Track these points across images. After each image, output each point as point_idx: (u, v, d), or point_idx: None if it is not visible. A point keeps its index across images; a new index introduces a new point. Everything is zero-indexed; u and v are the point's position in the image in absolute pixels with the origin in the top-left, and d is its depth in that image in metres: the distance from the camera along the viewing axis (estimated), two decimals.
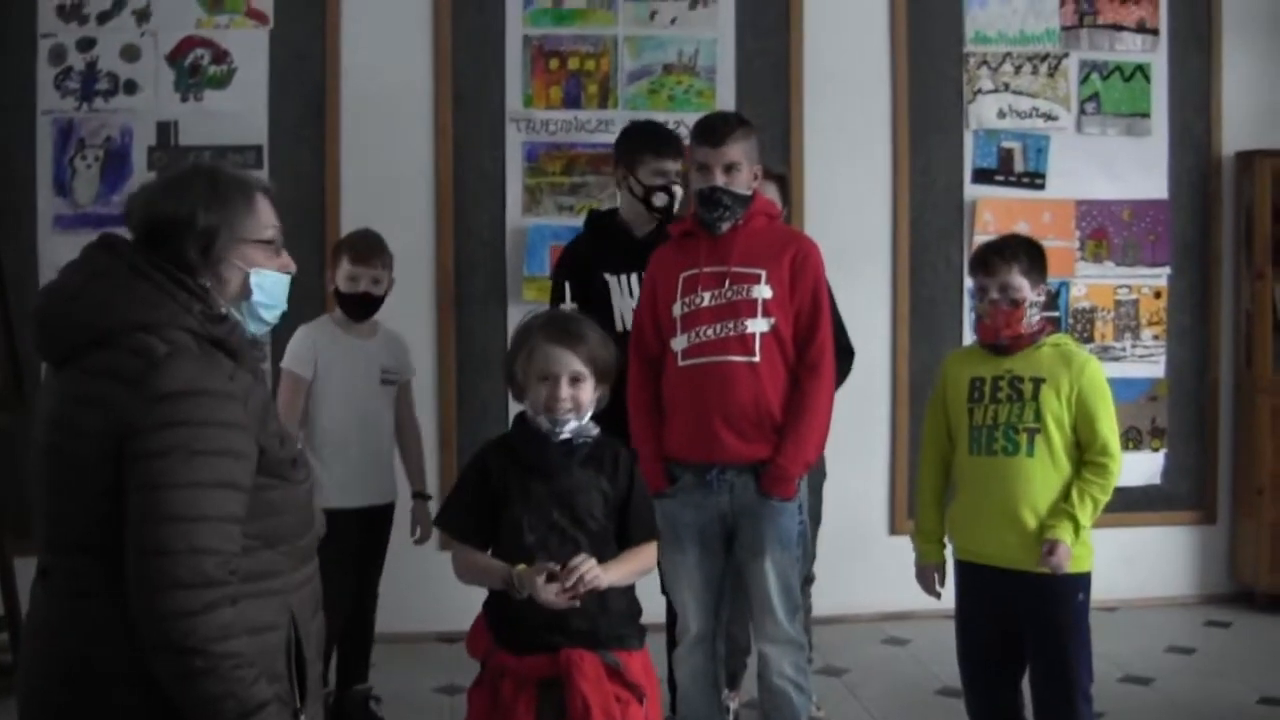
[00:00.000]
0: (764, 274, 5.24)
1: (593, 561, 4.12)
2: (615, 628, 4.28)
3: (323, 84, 7.58)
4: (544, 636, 4.17)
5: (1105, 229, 8.21)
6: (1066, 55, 8.19)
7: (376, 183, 7.56)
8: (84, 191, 7.50)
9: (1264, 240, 8.13)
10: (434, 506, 6.01)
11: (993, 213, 8.04)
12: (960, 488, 5.23)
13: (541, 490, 4.25)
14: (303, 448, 5.87)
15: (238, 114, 7.54)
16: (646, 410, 5.38)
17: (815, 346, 5.28)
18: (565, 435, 4.27)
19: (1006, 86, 8.13)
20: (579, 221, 7.30)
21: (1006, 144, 8.12)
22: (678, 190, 6.05)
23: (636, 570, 4.35)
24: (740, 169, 5.27)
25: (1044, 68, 8.16)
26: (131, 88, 7.51)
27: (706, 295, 5.25)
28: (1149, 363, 8.29)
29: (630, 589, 4.39)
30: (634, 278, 5.96)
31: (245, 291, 3.22)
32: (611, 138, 7.35)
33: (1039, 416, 5.01)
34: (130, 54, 7.51)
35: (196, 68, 7.52)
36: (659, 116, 7.46)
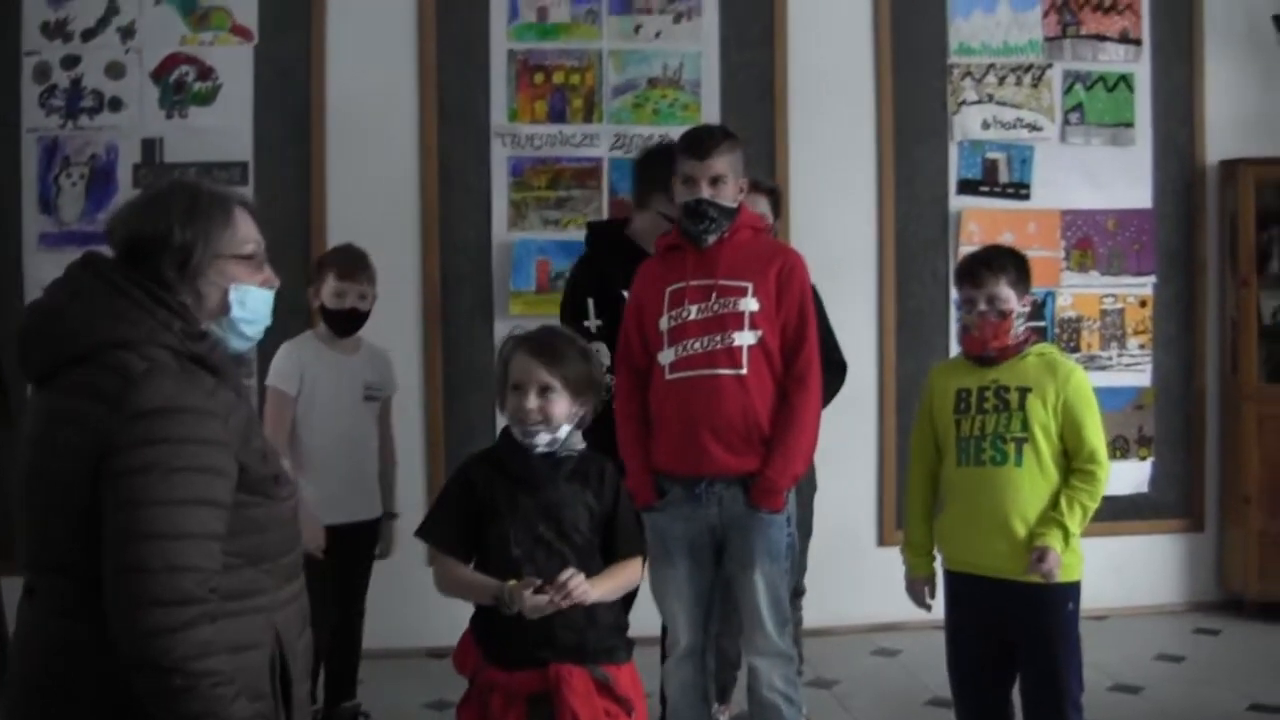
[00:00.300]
0: (751, 287, 5.24)
1: (581, 576, 4.12)
2: (603, 641, 4.28)
3: (308, 100, 7.58)
4: (532, 651, 4.16)
5: (1090, 239, 8.22)
6: (1050, 66, 8.22)
7: (362, 198, 7.56)
8: (69, 209, 7.50)
9: (1248, 248, 8.15)
10: (403, 525, 6.03)
11: (978, 223, 8.05)
12: (949, 499, 5.22)
13: (528, 503, 4.24)
14: (289, 464, 5.90)
15: (223, 130, 7.54)
16: (634, 423, 5.36)
17: (802, 359, 5.27)
18: (541, 448, 4.27)
19: (991, 97, 8.14)
20: (565, 236, 7.34)
21: (991, 155, 8.13)
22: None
23: (621, 585, 4.35)
24: (726, 182, 5.27)
25: (1028, 78, 8.18)
26: (116, 105, 7.51)
27: (693, 309, 5.24)
28: (1135, 372, 8.31)
29: (617, 602, 4.39)
30: None
31: (224, 307, 3.21)
32: (597, 151, 7.39)
33: (1026, 426, 5.02)
34: (115, 71, 7.51)
35: (181, 84, 7.52)
36: (644, 130, 7.53)
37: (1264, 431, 8.15)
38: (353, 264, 6.32)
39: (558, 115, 7.74)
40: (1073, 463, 5.05)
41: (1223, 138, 8.36)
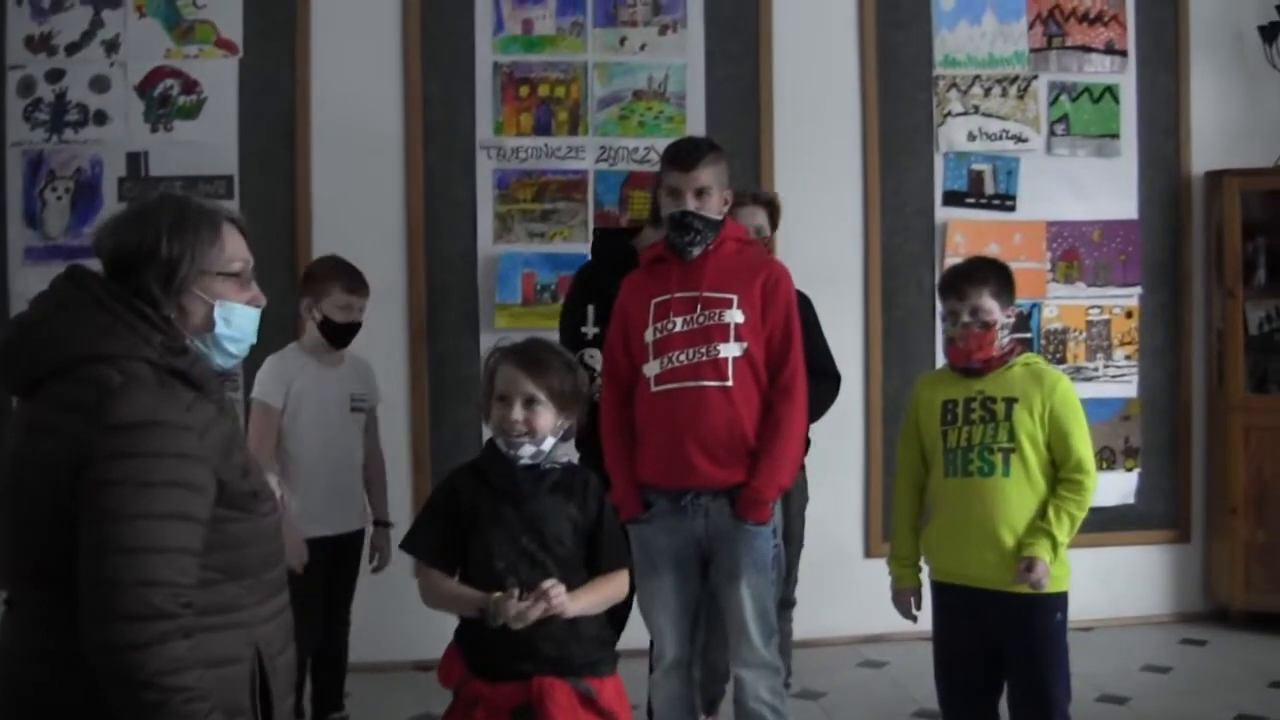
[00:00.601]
0: (736, 299, 5.24)
1: (561, 587, 4.11)
2: (587, 654, 4.26)
3: (293, 113, 7.57)
4: (516, 664, 4.15)
5: (1076, 250, 8.23)
6: (1035, 77, 8.22)
7: (348, 211, 7.55)
8: (54, 223, 7.49)
9: (1234, 259, 8.15)
10: (396, 535, 6.02)
11: (964, 235, 8.05)
12: (936, 510, 5.22)
13: (511, 515, 4.23)
14: (279, 480, 5.90)
15: (208, 144, 7.52)
16: (620, 436, 5.37)
17: (788, 371, 5.28)
18: (525, 460, 4.27)
19: (976, 109, 8.15)
20: (551, 248, 7.33)
21: (977, 166, 8.14)
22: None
23: (605, 599, 4.34)
24: (711, 194, 5.28)
25: (1013, 90, 8.18)
26: (101, 119, 7.50)
27: (679, 320, 5.24)
28: (1121, 383, 8.31)
29: (601, 614, 4.38)
30: None
31: (209, 324, 3.21)
32: (582, 164, 7.40)
33: (1013, 436, 5.02)
34: (100, 85, 7.50)
35: (166, 98, 7.51)
36: (630, 143, 7.53)
37: (1250, 442, 8.15)
38: (356, 277, 6.36)
39: (543, 128, 7.73)
40: (1060, 472, 5.05)
41: (1208, 149, 8.37)
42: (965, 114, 8.13)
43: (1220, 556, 8.30)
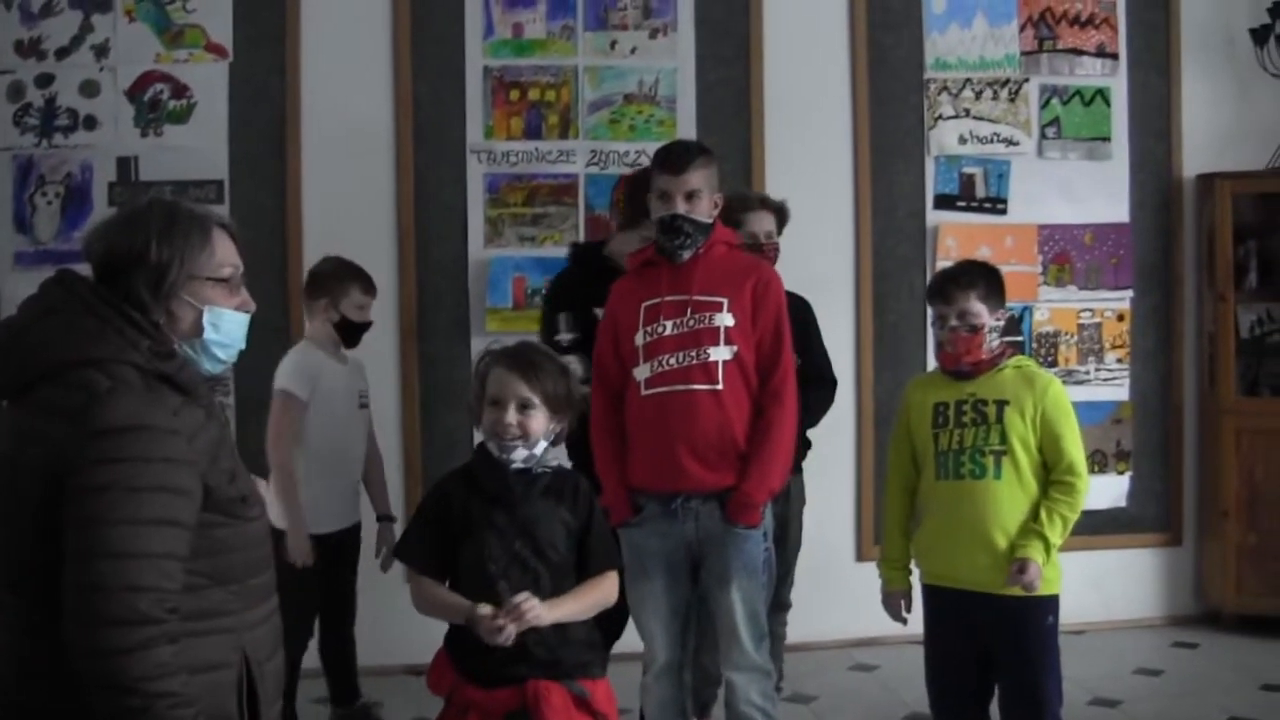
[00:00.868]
0: (726, 302, 5.24)
1: (534, 600, 4.10)
2: (578, 656, 4.26)
3: (283, 117, 7.56)
4: (508, 668, 4.14)
5: (1067, 253, 8.23)
6: (1027, 80, 8.22)
7: (338, 216, 7.53)
8: (45, 228, 7.48)
9: (1225, 262, 8.14)
10: (400, 529, 6.06)
11: (955, 238, 8.05)
12: (927, 513, 5.22)
13: (503, 520, 4.22)
14: (262, 483, 5.91)
15: (198, 149, 7.51)
16: (611, 440, 5.37)
17: (778, 374, 5.28)
18: (518, 464, 4.26)
19: (967, 112, 8.15)
20: (541, 252, 7.33)
21: (968, 169, 8.13)
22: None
23: (591, 604, 4.32)
24: (701, 197, 5.28)
25: (1004, 93, 8.18)
26: (91, 123, 7.49)
27: (669, 324, 5.24)
28: (1113, 386, 8.31)
29: (590, 618, 4.38)
30: None
31: (198, 329, 3.20)
32: (573, 168, 7.38)
33: (1004, 439, 5.02)
34: (89, 90, 7.48)
35: (156, 103, 7.50)
36: (620, 147, 7.53)
37: (1242, 445, 8.15)
38: (369, 277, 6.53)
39: (534, 132, 7.73)
40: (1051, 474, 5.06)
41: (1200, 152, 8.36)
42: (956, 117, 8.13)
43: (1212, 559, 8.30)
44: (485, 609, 4.07)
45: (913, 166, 8.11)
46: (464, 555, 4.24)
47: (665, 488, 5.26)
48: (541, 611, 4.09)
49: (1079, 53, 8.26)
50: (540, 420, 4.27)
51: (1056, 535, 4.97)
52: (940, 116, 8.11)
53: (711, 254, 5.33)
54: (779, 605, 6.52)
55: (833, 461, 7.61)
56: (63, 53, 7.48)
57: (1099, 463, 8.16)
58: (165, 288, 3.11)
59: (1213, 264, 8.22)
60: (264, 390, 7.29)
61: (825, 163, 7.98)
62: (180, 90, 7.52)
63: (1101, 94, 8.29)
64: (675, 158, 5.34)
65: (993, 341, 5.14)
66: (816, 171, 7.93)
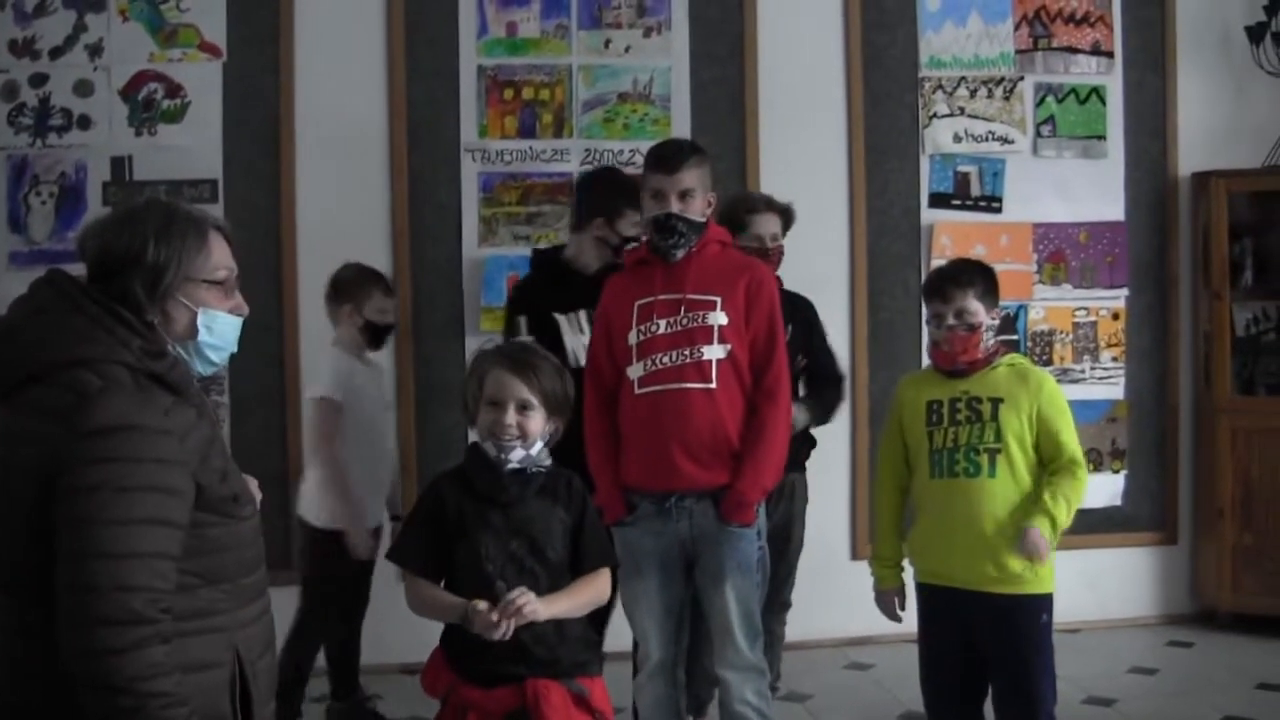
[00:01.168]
0: (719, 300, 5.24)
1: (529, 595, 4.10)
2: (576, 655, 4.28)
3: (277, 117, 7.55)
4: (506, 667, 4.15)
5: (1063, 251, 8.22)
6: (1022, 78, 8.21)
7: (332, 215, 7.54)
8: (39, 228, 7.47)
9: (1221, 260, 8.14)
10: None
11: (950, 237, 8.04)
12: (921, 512, 5.22)
13: (499, 520, 4.23)
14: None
15: (192, 148, 7.50)
16: (603, 439, 5.37)
17: (771, 373, 5.28)
18: (514, 464, 4.25)
19: (962, 110, 8.14)
20: None
21: (963, 168, 8.13)
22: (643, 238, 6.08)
23: (586, 601, 4.33)
24: (694, 195, 5.28)
25: (999, 91, 8.18)
26: (85, 123, 7.48)
27: (662, 323, 5.25)
28: (1108, 384, 8.30)
29: (586, 616, 4.38)
30: (584, 315, 6.00)
31: (193, 331, 3.20)
32: (567, 167, 7.37)
33: (1000, 436, 5.02)
34: (83, 89, 7.47)
35: (150, 102, 7.49)
36: (614, 145, 7.54)
37: (1237, 444, 8.14)
38: (387, 281, 6.80)
39: (528, 131, 7.72)
40: (1051, 466, 5.05)
41: (1195, 150, 8.36)
42: (951, 115, 8.12)
43: (1207, 558, 8.29)
44: (481, 604, 4.07)
45: (907, 165, 8.11)
46: (459, 556, 4.24)
47: (659, 487, 5.26)
48: (538, 606, 4.09)
49: (1074, 51, 8.26)
50: (538, 421, 4.28)
51: (1062, 514, 4.96)
52: (935, 115, 8.10)
53: (705, 253, 5.33)
54: (780, 605, 6.54)
55: (827, 459, 7.59)
56: (56, 52, 7.46)
57: (1094, 461, 8.15)
58: (161, 289, 3.11)
59: (1208, 262, 8.21)
60: (258, 390, 7.35)
61: (820, 161, 7.97)
62: (174, 90, 7.51)
63: (1097, 92, 8.28)
64: (669, 156, 5.35)
65: (989, 340, 5.13)
66: (811, 170, 7.92)
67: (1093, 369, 8.27)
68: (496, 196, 7.69)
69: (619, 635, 5.64)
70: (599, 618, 5.09)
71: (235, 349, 3.34)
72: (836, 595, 7.53)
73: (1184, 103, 8.36)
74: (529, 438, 4.26)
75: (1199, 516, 8.40)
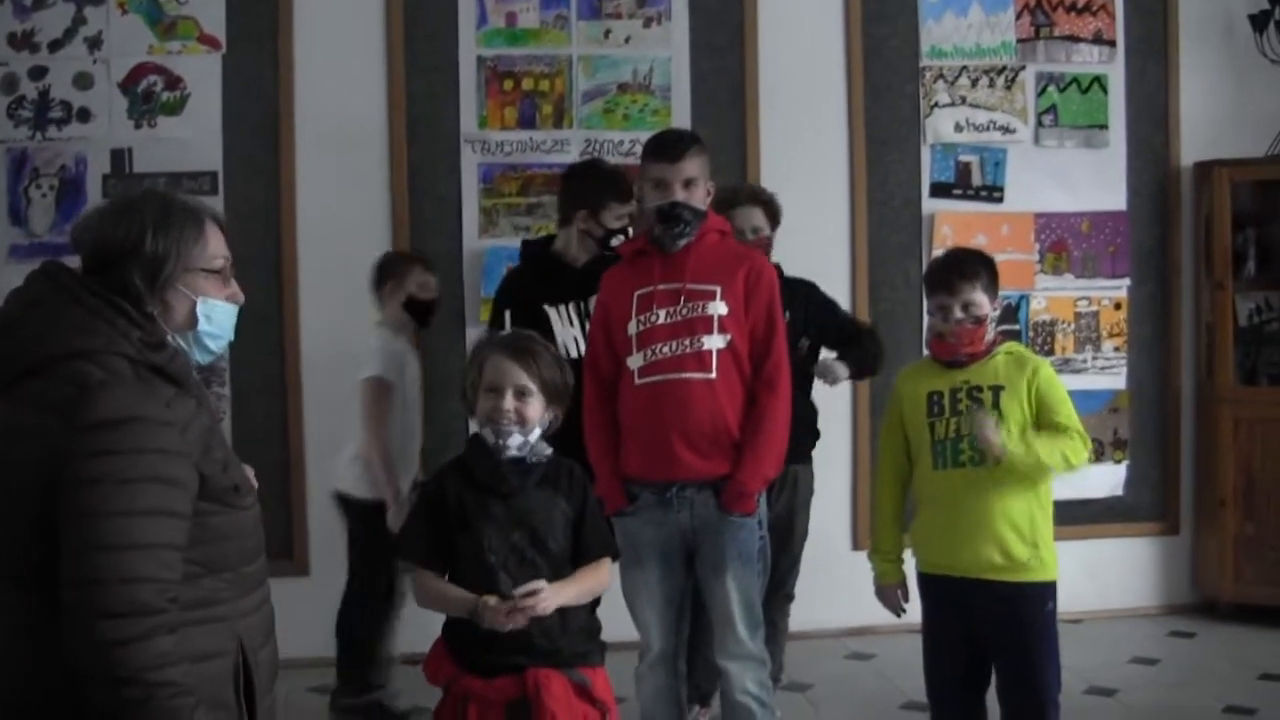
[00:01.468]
0: (719, 290, 5.24)
1: (541, 584, 4.10)
2: (578, 645, 4.28)
3: (276, 109, 7.55)
4: (509, 658, 4.15)
5: (1064, 241, 8.21)
6: (1023, 68, 8.20)
7: (333, 207, 7.54)
8: (39, 221, 7.47)
9: (1223, 250, 8.12)
10: None
11: (951, 226, 8.04)
12: (924, 503, 5.21)
13: (500, 511, 4.23)
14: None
15: (192, 140, 7.50)
16: (603, 430, 5.37)
17: (771, 362, 5.28)
18: (512, 451, 4.25)
19: (963, 100, 8.13)
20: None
21: (964, 157, 8.12)
22: (630, 231, 6.07)
23: (588, 590, 4.34)
24: (697, 184, 5.29)
25: (1000, 80, 8.16)
26: (85, 116, 7.47)
27: (662, 313, 5.24)
28: (1110, 374, 8.29)
29: (587, 605, 4.39)
30: (573, 307, 6.02)
31: (192, 321, 3.20)
32: (567, 158, 7.37)
33: (1002, 423, 5.00)
34: (83, 82, 7.47)
35: (150, 94, 7.48)
36: (614, 136, 7.53)
37: (1239, 434, 8.13)
38: (428, 259, 6.96)
39: (528, 121, 7.72)
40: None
41: (1197, 139, 8.34)
42: (952, 105, 8.11)
43: (1209, 549, 8.28)
44: (492, 600, 4.08)
45: (908, 155, 8.10)
46: (462, 547, 4.24)
47: (659, 477, 5.26)
48: (550, 594, 4.11)
49: (1076, 40, 8.24)
50: (536, 407, 4.28)
51: (1042, 449, 4.93)
52: (936, 104, 8.09)
53: (704, 242, 5.33)
54: (784, 597, 6.52)
55: (828, 450, 7.57)
56: (56, 45, 7.46)
57: (1096, 451, 8.11)
58: (162, 279, 3.11)
59: (1210, 252, 8.20)
60: (259, 381, 7.34)
61: (820, 151, 7.96)
62: (174, 82, 7.50)
63: (1099, 81, 8.26)
64: (671, 146, 5.35)
65: (991, 332, 5.13)
66: (811, 160, 7.92)
67: (1094, 359, 8.26)
68: (497, 187, 7.69)
69: (622, 626, 5.63)
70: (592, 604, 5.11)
71: (232, 337, 3.34)
72: (837, 585, 7.51)
73: (1186, 92, 8.35)
74: (527, 424, 4.26)
75: (1201, 507, 8.39)
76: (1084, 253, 8.25)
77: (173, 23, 7.51)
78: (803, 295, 6.34)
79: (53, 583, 2.85)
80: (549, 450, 4.37)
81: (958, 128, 8.12)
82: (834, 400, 6.87)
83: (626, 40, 7.80)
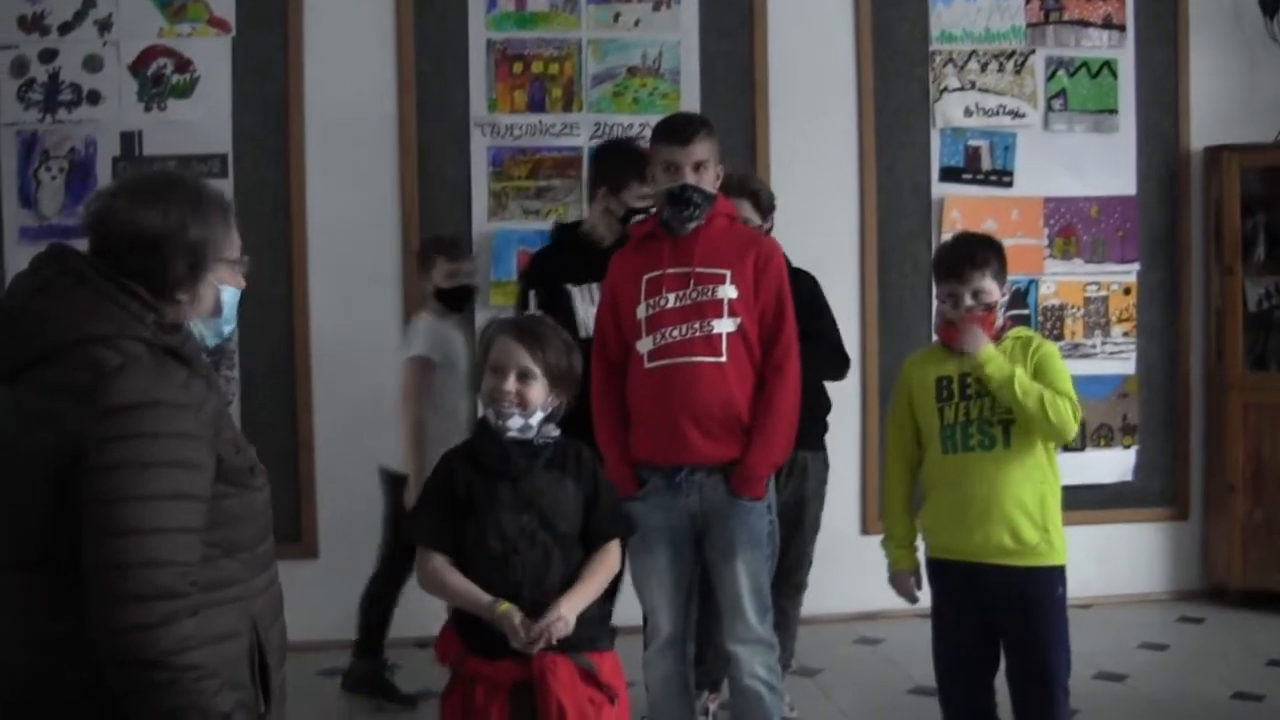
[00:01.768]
0: (729, 274, 5.22)
1: (560, 611, 4.12)
2: (586, 630, 4.25)
3: (286, 92, 7.56)
4: None
5: (1074, 226, 8.20)
6: (1033, 52, 8.19)
7: (342, 190, 7.55)
8: (49, 203, 7.48)
9: (1233, 235, 8.12)
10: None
11: (960, 211, 8.03)
12: (934, 489, 5.19)
13: (508, 494, 4.22)
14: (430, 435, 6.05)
15: (201, 123, 7.51)
16: (611, 414, 5.36)
17: (780, 347, 5.26)
18: (514, 432, 4.25)
19: (973, 84, 8.12)
20: (546, 225, 7.30)
21: (973, 142, 8.11)
22: (652, 211, 6.05)
23: (603, 581, 4.34)
24: (707, 167, 5.27)
25: (1010, 65, 8.15)
26: (95, 98, 7.48)
27: (671, 297, 5.23)
28: (1119, 359, 8.28)
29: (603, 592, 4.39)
30: (595, 287, 5.99)
31: (218, 308, 3.22)
32: (576, 141, 7.36)
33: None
34: (93, 64, 7.47)
35: (159, 77, 7.49)
36: (624, 119, 7.52)
37: (1249, 419, 8.13)
38: (455, 245, 6.94)
39: (537, 105, 7.72)
40: None
41: (1207, 124, 8.33)
42: (962, 89, 8.10)
43: (1218, 534, 8.28)
44: (516, 615, 4.10)
45: (918, 139, 8.10)
46: (471, 531, 4.23)
47: (669, 461, 5.25)
48: (568, 617, 4.13)
49: (1085, 24, 8.23)
50: (539, 391, 4.27)
51: (1023, 379, 4.90)
52: (945, 89, 8.08)
53: (713, 226, 5.32)
54: (793, 586, 6.48)
55: (837, 435, 7.55)
56: (66, 28, 7.47)
57: (1105, 436, 8.16)
58: (203, 267, 3.12)
59: (1220, 237, 8.19)
60: (268, 365, 7.34)
61: (829, 136, 7.96)
62: (183, 65, 7.51)
63: (1108, 66, 8.25)
64: (680, 129, 5.34)
65: (1000, 317, 5.13)
66: (821, 144, 7.92)
67: (1104, 344, 8.25)
68: (506, 171, 7.69)
69: (630, 610, 5.63)
70: (610, 590, 5.10)
71: (234, 323, 3.36)
72: (846, 570, 7.51)
73: (1196, 76, 8.33)
74: (528, 406, 4.25)
75: (1210, 492, 8.39)
76: (1093, 237, 8.25)
77: (182, 6, 7.52)
78: (806, 289, 6.30)
79: (60, 566, 2.87)
80: (557, 432, 4.36)
81: (967, 112, 8.11)
82: (842, 386, 6.85)
83: (636, 24, 7.79)
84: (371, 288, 7.31)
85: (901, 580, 5.36)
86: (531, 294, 6.16)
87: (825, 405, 6.47)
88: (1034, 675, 5.03)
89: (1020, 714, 5.10)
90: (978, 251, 5.13)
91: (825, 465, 6.53)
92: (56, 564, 2.88)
